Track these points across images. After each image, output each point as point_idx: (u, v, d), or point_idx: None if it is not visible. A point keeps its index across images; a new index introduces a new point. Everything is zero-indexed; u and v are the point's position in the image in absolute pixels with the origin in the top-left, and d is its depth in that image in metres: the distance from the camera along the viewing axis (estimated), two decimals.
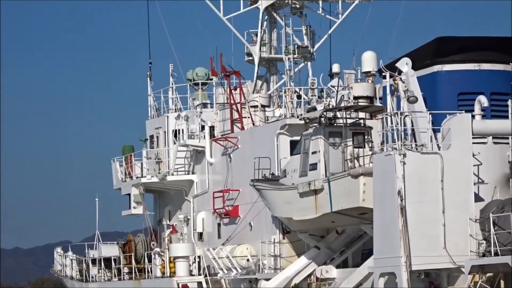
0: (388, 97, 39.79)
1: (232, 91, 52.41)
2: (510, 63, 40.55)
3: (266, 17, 54.66)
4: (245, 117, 51.40)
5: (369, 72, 43.50)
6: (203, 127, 53.02)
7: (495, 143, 40.07)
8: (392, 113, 38.81)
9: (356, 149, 42.17)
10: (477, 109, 38.92)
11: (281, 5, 54.16)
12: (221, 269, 48.76)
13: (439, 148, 37.35)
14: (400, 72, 39.32)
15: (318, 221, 43.18)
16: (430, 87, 40.37)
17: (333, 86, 46.47)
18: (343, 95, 43.59)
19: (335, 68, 47.35)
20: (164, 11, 56.83)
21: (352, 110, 42.98)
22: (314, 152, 42.98)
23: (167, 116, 54.94)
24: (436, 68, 41.54)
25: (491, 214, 35.46)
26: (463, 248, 36.32)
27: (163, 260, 53.04)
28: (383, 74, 40.57)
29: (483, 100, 39.20)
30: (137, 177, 56.75)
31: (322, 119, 42.99)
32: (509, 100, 40.19)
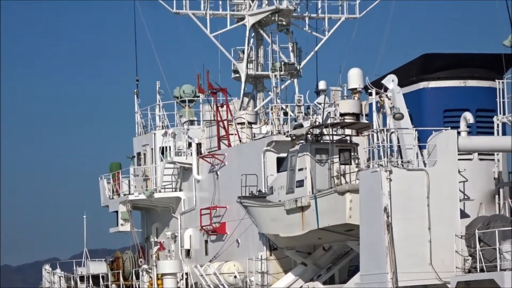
0: (374, 114, 39.93)
1: (219, 108, 52.48)
2: (496, 80, 40.68)
3: (253, 34, 54.80)
4: (232, 134, 51.45)
5: (355, 89, 43.66)
6: (190, 144, 53.06)
7: (480, 159, 40.24)
8: (378, 130, 38.91)
9: (342, 166, 42.26)
10: (462, 125, 38.95)
11: (267, 22, 54.29)
12: (209, 286, 48.85)
13: (425, 164, 37.44)
14: (386, 89, 39.46)
15: (305, 238, 43.20)
16: (416, 103, 40.44)
17: (320, 103, 46.54)
18: (329, 112, 43.67)
19: (322, 85, 47.51)
20: (150, 28, 56.73)
21: (339, 127, 42.99)
22: (300, 169, 43.05)
23: (154, 133, 55.00)
24: (422, 85, 41.59)
25: (476, 231, 35.51)
26: (449, 264, 36.41)
27: (150, 277, 53.11)
28: (369, 91, 40.70)
29: (468, 116, 39.24)
30: (124, 194, 56.78)
31: (309, 136, 43.05)
32: (495, 117, 40.37)
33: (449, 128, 38.40)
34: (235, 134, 51.45)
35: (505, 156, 41.31)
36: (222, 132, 51.93)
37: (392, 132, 38.36)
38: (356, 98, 43.50)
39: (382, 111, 39.31)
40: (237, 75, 54.83)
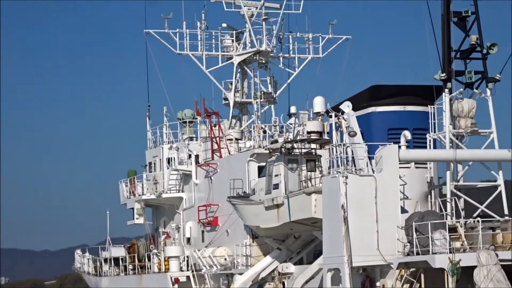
0: (334, 132, 39.79)
1: (213, 127, 52.34)
2: (428, 106, 40.58)
3: (239, 70, 54.61)
4: (223, 148, 51.31)
5: (319, 112, 43.57)
6: (190, 156, 52.84)
7: (416, 167, 40.13)
8: (336, 145, 38.81)
9: (309, 173, 42.11)
10: (402, 141, 38.88)
11: (250, 60, 54.13)
12: (204, 266, 48.55)
13: (373, 171, 37.26)
14: (343, 113, 39.32)
15: (280, 229, 43.00)
16: (366, 124, 40.32)
17: (291, 124, 46.35)
18: (298, 131, 43.54)
19: (293, 109, 47.39)
20: (158, 64, 56.61)
21: (306, 142, 42.83)
22: (276, 175, 42.86)
23: (162, 147, 54.72)
24: (371, 109, 41.55)
25: (413, 223, 35.41)
26: (392, 249, 36.22)
27: (159, 259, 52.71)
28: (330, 114, 40.59)
29: (407, 134, 39.24)
30: (139, 195, 56.45)
31: (283, 149, 42.88)
32: (427, 134, 40.32)
33: (392, 143, 38.33)
34: (225, 148, 51.28)
35: (436, 165, 41.25)
36: (215, 146, 51.76)
37: (347, 146, 38.19)
38: (319, 119, 43.44)
39: (340, 130, 39.16)
40: (227, 101, 54.60)
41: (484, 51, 40.41)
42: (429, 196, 40.49)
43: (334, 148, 38.84)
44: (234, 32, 55.02)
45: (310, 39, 55.60)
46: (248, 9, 53.94)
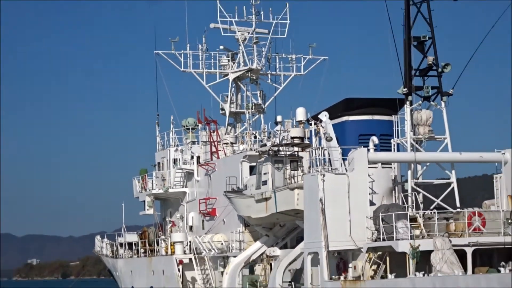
0: (313, 138, 39.84)
1: (212, 133, 52.25)
2: (393, 115, 40.66)
3: (234, 84, 54.47)
4: (220, 150, 51.23)
5: (301, 121, 43.51)
6: (192, 157, 52.72)
7: (383, 167, 40.23)
8: (315, 148, 38.79)
9: (292, 171, 42.08)
10: (371, 145, 38.93)
11: (243, 77, 54.07)
12: (204, 249, 48.36)
13: (346, 170, 37.20)
14: (321, 121, 39.37)
15: (268, 218, 43.00)
16: (340, 131, 40.38)
17: (277, 130, 46.28)
18: (283, 136, 43.51)
19: (279, 118, 47.24)
20: (166, 79, 56.64)
21: (290, 146, 42.76)
22: (265, 173, 42.84)
23: (169, 150, 54.58)
24: (344, 118, 41.70)
25: (380, 214, 35.48)
26: (362, 236, 36.24)
27: (166, 244, 52.61)
28: (310, 122, 40.74)
29: (375, 139, 39.32)
30: (149, 190, 56.25)
31: (270, 151, 42.82)
32: (392, 140, 40.39)
33: (362, 147, 38.37)
34: (222, 150, 51.22)
35: (399, 165, 41.43)
36: (214, 149, 51.66)
37: (324, 150, 38.24)
38: (301, 127, 43.37)
39: (318, 136, 39.20)
40: (223, 111, 54.47)
41: (439, 69, 40.57)
42: (393, 191, 40.50)
43: (314, 151, 38.78)
44: (229, 53, 54.95)
45: (293, 59, 55.50)
46: (242, 34, 53.88)
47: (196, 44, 55.03)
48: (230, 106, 54.23)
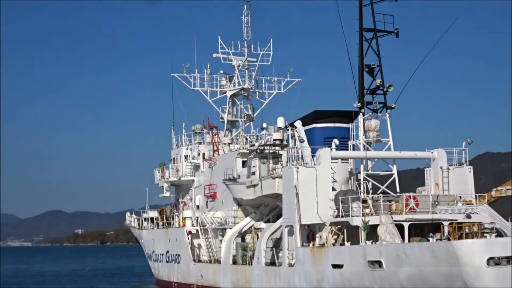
0: (290, 140, 39.79)
1: (213, 136, 52.32)
2: (349, 123, 40.84)
3: (230, 100, 54.54)
4: (220, 149, 51.30)
5: (281, 127, 43.37)
6: (199, 154, 52.78)
7: (342, 162, 40.22)
8: (291, 148, 38.81)
9: (274, 165, 42.15)
10: (333, 146, 38.84)
11: (237, 94, 54.18)
12: (208, 223, 48.28)
13: (314, 165, 37.13)
14: (295, 127, 39.29)
15: (255, 200, 42.88)
16: (310, 135, 40.26)
17: (263, 134, 46.10)
18: (267, 138, 43.43)
19: (264, 125, 46.92)
20: (180, 95, 56.84)
21: (272, 146, 42.72)
22: (253, 166, 42.95)
23: (182, 148, 54.44)
24: (313, 125, 41.66)
25: (339, 197, 35.52)
26: (326, 213, 36.29)
27: (179, 218, 52.52)
28: (287, 128, 40.77)
29: (336, 141, 39.38)
30: (166, 178, 56.17)
31: (257, 150, 42.85)
32: (349, 141, 40.48)
33: (326, 147, 38.32)
34: (222, 149, 51.29)
35: (354, 161, 41.47)
36: (215, 148, 51.68)
37: (298, 149, 38.19)
38: (281, 131, 43.20)
39: (294, 138, 39.14)
40: (222, 120, 54.43)
41: (385, 89, 40.61)
42: (350, 180, 40.63)
43: (290, 150, 38.87)
44: (227, 76, 54.91)
45: (275, 80, 55.51)
46: (236, 61, 53.90)
47: (202, 69, 55.29)
48: (227, 116, 54.27)
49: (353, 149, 40.31)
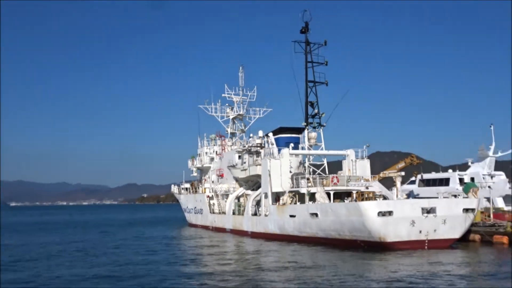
0: (266, 143, 39.66)
1: (222, 141, 52.04)
2: (300, 134, 40.75)
3: (232, 120, 54.28)
4: (225, 149, 50.96)
5: (260, 136, 43.28)
6: (214, 151, 52.68)
7: (295, 156, 39.62)
8: (266, 148, 38.62)
9: (256, 158, 41.82)
10: (290, 147, 38.28)
11: (236, 117, 53.90)
12: (218, 191, 47.79)
13: (279, 158, 36.93)
14: (269, 136, 39.13)
15: (246, 178, 42.65)
16: (277, 141, 39.85)
17: (251, 140, 45.88)
18: (253, 143, 43.26)
19: (251, 135, 46.47)
20: (202, 118, 57.09)
21: (255, 147, 42.55)
22: (245, 158, 42.89)
23: (204, 147, 54.30)
24: (279, 135, 41.21)
25: (293, 176, 35.38)
26: (286, 186, 35.94)
27: (202, 188, 52.11)
28: (264, 137, 40.65)
29: (292, 145, 38.69)
30: (195, 165, 55.82)
31: (247, 149, 42.63)
32: (299, 145, 40.29)
33: (287, 148, 37.92)
34: (226, 149, 50.89)
35: (302, 156, 40.84)
36: (223, 148, 51.37)
37: (271, 149, 37.97)
38: (260, 138, 43.06)
39: (268, 143, 38.99)
40: (227, 132, 54.25)
41: (320, 115, 40.57)
42: (299, 167, 40.29)
43: (265, 149, 38.63)
44: (230, 106, 54.56)
45: (259, 110, 55.34)
46: (235, 98, 53.80)
47: (216, 102, 55.06)
48: (230, 129, 53.99)
49: (302, 149, 40.18)
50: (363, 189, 33.02)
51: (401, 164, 45.57)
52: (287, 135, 41.66)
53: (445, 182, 40.06)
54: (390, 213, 27.56)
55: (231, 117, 54.19)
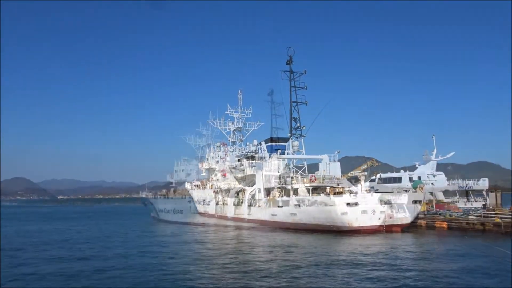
0: (259, 150, 39.45)
1: (225, 148, 51.45)
2: (286, 143, 40.61)
3: (233, 132, 53.69)
4: (228, 154, 50.38)
5: (255, 144, 43.09)
6: (219, 155, 51.91)
7: (282, 160, 39.30)
8: (259, 154, 38.47)
9: (252, 161, 41.39)
10: (278, 153, 38.39)
11: (236, 129, 53.26)
12: (222, 187, 47.10)
13: (270, 161, 36.71)
14: (261, 144, 39.00)
15: (243, 177, 42.17)
16: (268, 148, 40.01)
17: (247, 147, 45.66)
18: (249, 150, 43.10)
19: (248, 143, 46.57)
20: (212, 130, 56.19)
21: (251, 153, 42.38)
22: (243, 162, 42.32)
23: (211, 153, 53.28)
24: (270, 143, 41.16)
25: (281, 175, 34.95)
26: (275, 183, 35.46)
27: (209, 184, 51.05)
28: (258, 145, 40.39)
29: (279, 151, 38.83)
30: (204, 166, 54.29)
31: (245, 154, 42.37)
32: (285, 151, 40.00)
33: (275, 153, 37.86)
34: (229, 154, 50.20)
35: (287, 159, 40.17)
36: (226, 153, 50.84)
37: (263, 155, 37.83)
38: (255, 147, 42.82)
39: (260, 150, 38.82)
40: (229, 141, 53.70)
41: (301, 128, 40.66)
42: (286, 168, 40.05)
43: (257, 155, 38.52)
44: (231, 121, 54.20)
45: (254, 124, 54.68)
46: (236, 115, 53.09)
47: (221, 118, 54.70)
48: (231, 139, 53.59)
49: (287, 155, 39.95)
50: (335, 185, 33.19)
51: (364, 166, 46.08)
52: (276, 143, 41.57)
53: (398, 180, 40.60)
54: (356, 204, 27.89)
55: (232, 129, 53.65)
